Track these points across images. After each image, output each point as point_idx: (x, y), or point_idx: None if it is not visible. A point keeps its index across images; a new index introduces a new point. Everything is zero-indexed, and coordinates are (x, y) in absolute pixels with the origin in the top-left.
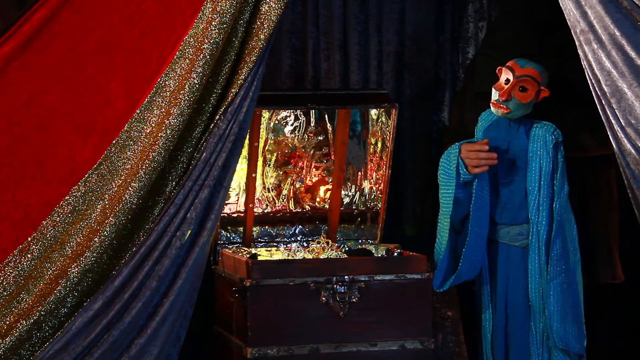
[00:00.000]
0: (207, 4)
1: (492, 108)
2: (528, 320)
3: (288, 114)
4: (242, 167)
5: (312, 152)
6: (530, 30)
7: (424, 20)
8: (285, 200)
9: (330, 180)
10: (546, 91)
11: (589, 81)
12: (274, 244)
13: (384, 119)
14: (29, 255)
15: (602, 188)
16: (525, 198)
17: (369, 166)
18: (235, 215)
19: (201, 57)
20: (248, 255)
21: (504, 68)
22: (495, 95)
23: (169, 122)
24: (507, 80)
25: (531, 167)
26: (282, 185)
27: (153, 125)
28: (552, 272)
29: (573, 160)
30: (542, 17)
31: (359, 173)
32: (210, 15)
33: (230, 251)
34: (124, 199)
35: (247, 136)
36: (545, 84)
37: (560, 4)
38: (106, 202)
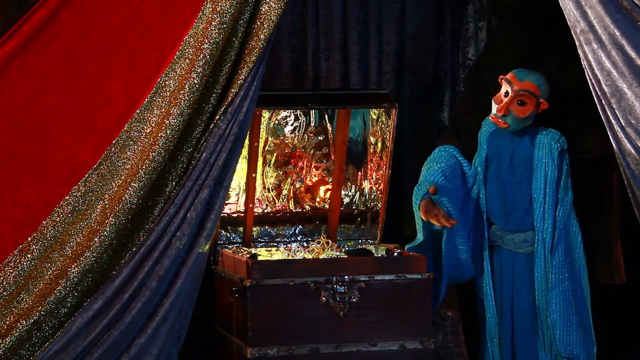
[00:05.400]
0: (207, 4)
1: (491, 121)
2: (535, 327)
3: (288, 114)
4: (242, 167)
5: (312, 152)
6: (526, 32)
7: (424, 20)
8: (285, 200)
9: (330, 180)
10: (545, 104)
11: (589, 81)
12: (274, 244)
13: (384, 119)
14: (29, 255)
15: (602, 189)
16: (530, 205)
17: (369, 166)
18: (235, 215)
19: (201, 57)
20: (248, 255)
21: (503, 80)
22: (494, 109)
23: (169, 122)
24: (507, 93)
25: (536, 174)
26: (282, 185)
27: (153, 125)
28: (554, 280)
29: (574, 161)
30: (538, 18)
31: (359, 173)
32: (210, 15)
33: (230, 251)
34: (124, 199)
35: (247, 136)
36: (546, 95)
37: (560, 4)
38: (106, 202)
